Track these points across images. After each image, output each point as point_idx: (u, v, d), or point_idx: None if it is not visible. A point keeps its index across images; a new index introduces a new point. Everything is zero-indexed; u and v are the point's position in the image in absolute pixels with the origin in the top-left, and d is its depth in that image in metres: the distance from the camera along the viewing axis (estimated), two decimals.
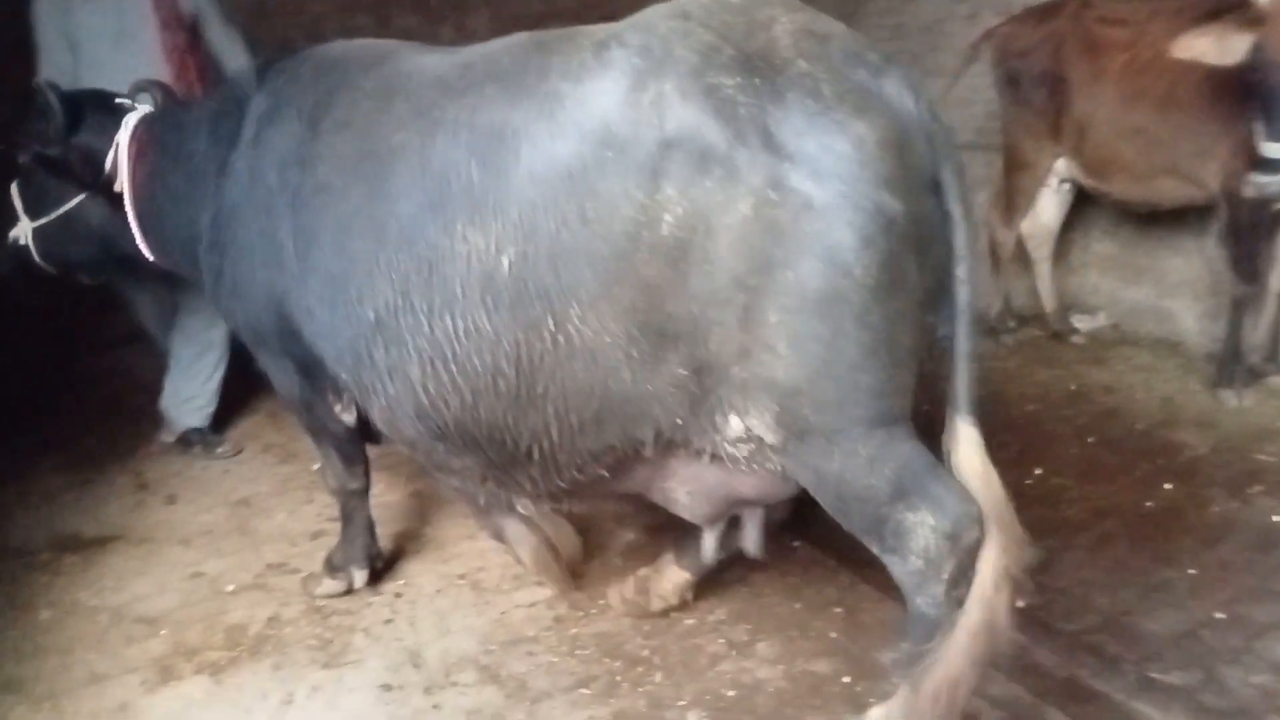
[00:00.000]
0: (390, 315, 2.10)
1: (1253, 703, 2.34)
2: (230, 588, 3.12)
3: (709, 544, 2.59)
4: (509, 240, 1.91)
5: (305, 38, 2.84)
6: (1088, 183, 4.51)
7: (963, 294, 1.87)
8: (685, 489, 2.31)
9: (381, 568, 3.09)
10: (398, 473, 3.67)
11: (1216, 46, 3.50)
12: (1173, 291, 4.73)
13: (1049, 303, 4.93)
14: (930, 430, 1.96)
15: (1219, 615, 2.66)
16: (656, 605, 2.76)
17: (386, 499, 3.54)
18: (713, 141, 1.74)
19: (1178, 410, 3.99)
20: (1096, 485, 3.41)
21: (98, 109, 2.91)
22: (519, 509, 2.63)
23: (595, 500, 2.53)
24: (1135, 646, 2.56)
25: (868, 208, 1.71)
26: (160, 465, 4.06)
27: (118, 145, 2.83)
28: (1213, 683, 2.41)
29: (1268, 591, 2.74)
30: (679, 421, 1.97)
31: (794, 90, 1.74)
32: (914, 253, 1.78)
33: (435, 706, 2.51)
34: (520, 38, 2.13)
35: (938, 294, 1.88)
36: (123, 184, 2.84)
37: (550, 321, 1.91)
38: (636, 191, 1.78)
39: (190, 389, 4.10)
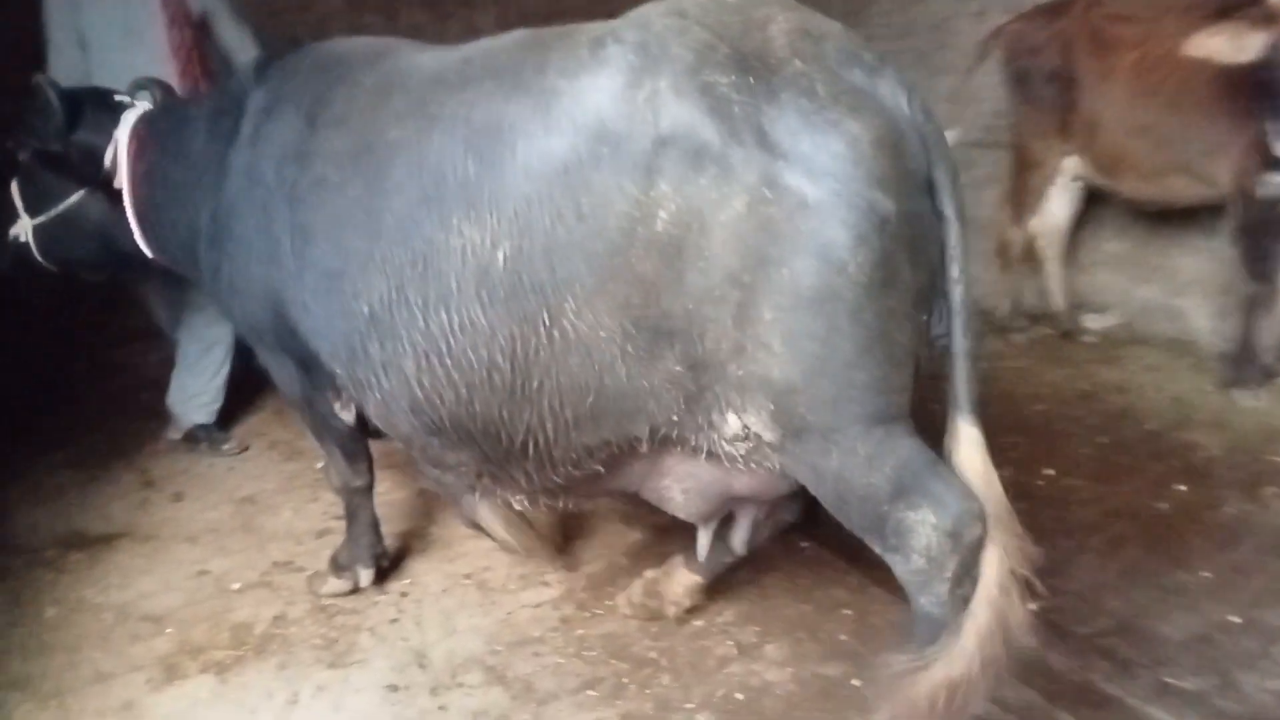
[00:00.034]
0: (385, 310, 2.11)
1: (1269, 708, 2.32)
2: (236, 586, 3.11)
3: (704, 542, 2.58)
4: (504, 235, 1.91)
5: (313, 35, 2.84)
6: (1098, 181, 4.48)
7: (957, 293, 1.88)
8: (680, 487, 2.31)
9: (387, 566, 3.08)
10: (403, 471, 3.65)
11: (1230, 44, 3.48)
12: (1184, 290, 4.71)
13: (1059, 302, 4.91)
14: (939, 430, 1.94)
15: (1234, 619, 2.63)
16: (669, 611, 2.74)
17: (391, 497, 3.53)
18: (707, 139, 1.75)
19: (1190, 410, 3.96)
20: (1108, 486, 3.38)
21: (97, 106, 2.90)
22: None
23: (590, 498, 2.52)
24: (1149, 650, 2.54)
25: (861, 206, 1.72)
26: (166, 462, 4.05)
27: (116, 142, 2.83)
28: (1229, 688, 2.38)
29: None
30: (675, 418, 1.97)
31: (789, 89, 1.75)
32: (907, 252, 1.79)
33: (441, 708, 2.49)
34: (518, 34, 2.14)
35: (931, 293, 1.89)
36: (122, 181, 2.83)
37: (545, 316, 1.91)
38: (631, 188, 1.79)
39: (196, 385, 4.09)
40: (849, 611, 2.79)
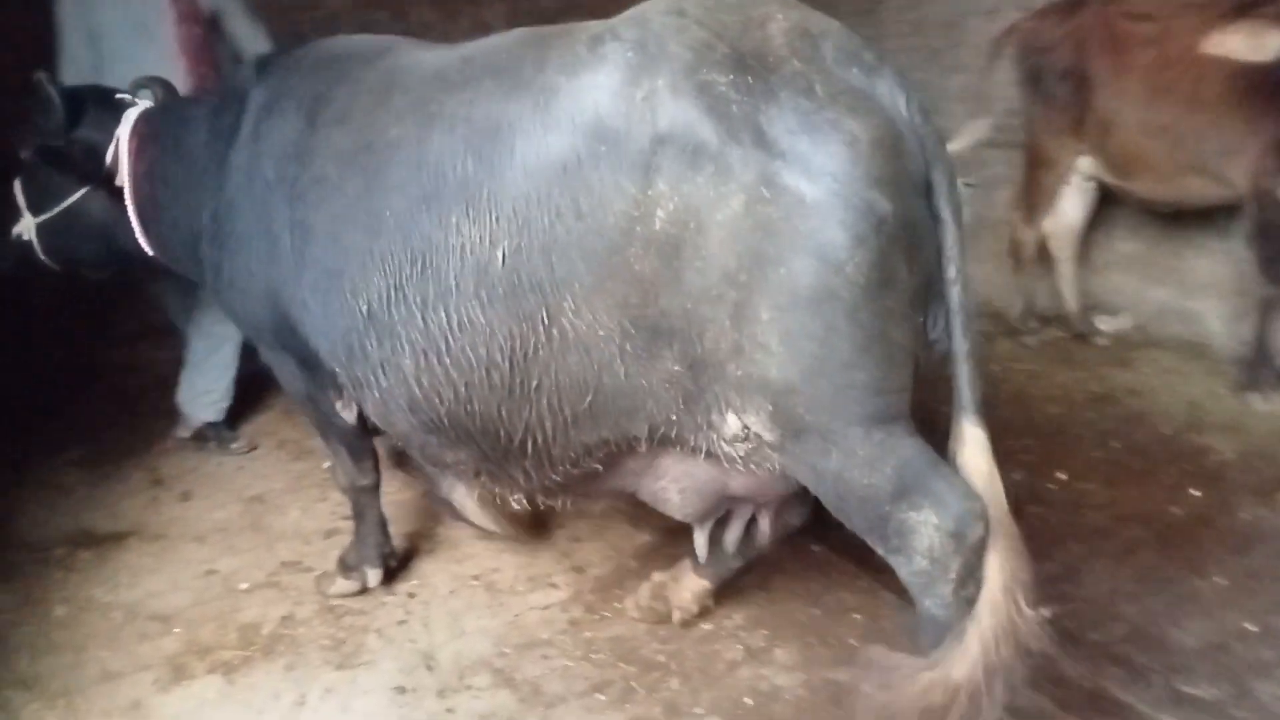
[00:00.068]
0: (383, 308, 2.11)
1: None
2: (244, 586, 3.10)
3: (701, 542, 2.57)
4: (503, 233, 1.92)
5: (322, 32, 2.82)
6: (1112, 181, 4.44)
7: (955, 295, 1.87)
8: (677, 487, 2.31)
9: (395, 567, 3.07)
10: (410, 471, 3.64)
11: (1249, 43, 3.44)
12: (1198, 292, 4.67)
13: (1072, 303, 4.87)
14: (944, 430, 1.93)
15: (1250, 627, 2.61)
16: (677, 617, 2.73)
17: (399, 497, 3.52)
18: (705, 138, 1.74)
19: (1204, 414, 3.92)
20: (1121, 490, 3.35)
21: (98, 104, 2.89)
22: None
23: (589, 497, 2.53)
24: (1164, 658, 2.51)
25: (859, 206, 1.71)
26: (175, 461, 4.05)
27: (118, 140, 2.82)
28: (1245, 697, 2.36)
29: None
30: (674, 418, 1.97)
31: (787, 89, 1.75)
32: (904, 252, 1.79)
33: (449, 710, 2.48)
34: (519, 32, 2.14)
35: (927, 294, 1.89)
36: (123, 179, 2.82)
37: (544, 315, 1.92)
38: (629, 186, 1.79)
39: (205, 382, 4.09)
40: (859, 616, 2.77)
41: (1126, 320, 4.90)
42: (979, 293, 5.22)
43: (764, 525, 2.53)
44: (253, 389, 4.29)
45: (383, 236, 2.09)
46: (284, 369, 2.69)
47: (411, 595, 3.01)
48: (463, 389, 2.07)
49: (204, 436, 4.11)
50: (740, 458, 1.99)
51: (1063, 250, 4.80)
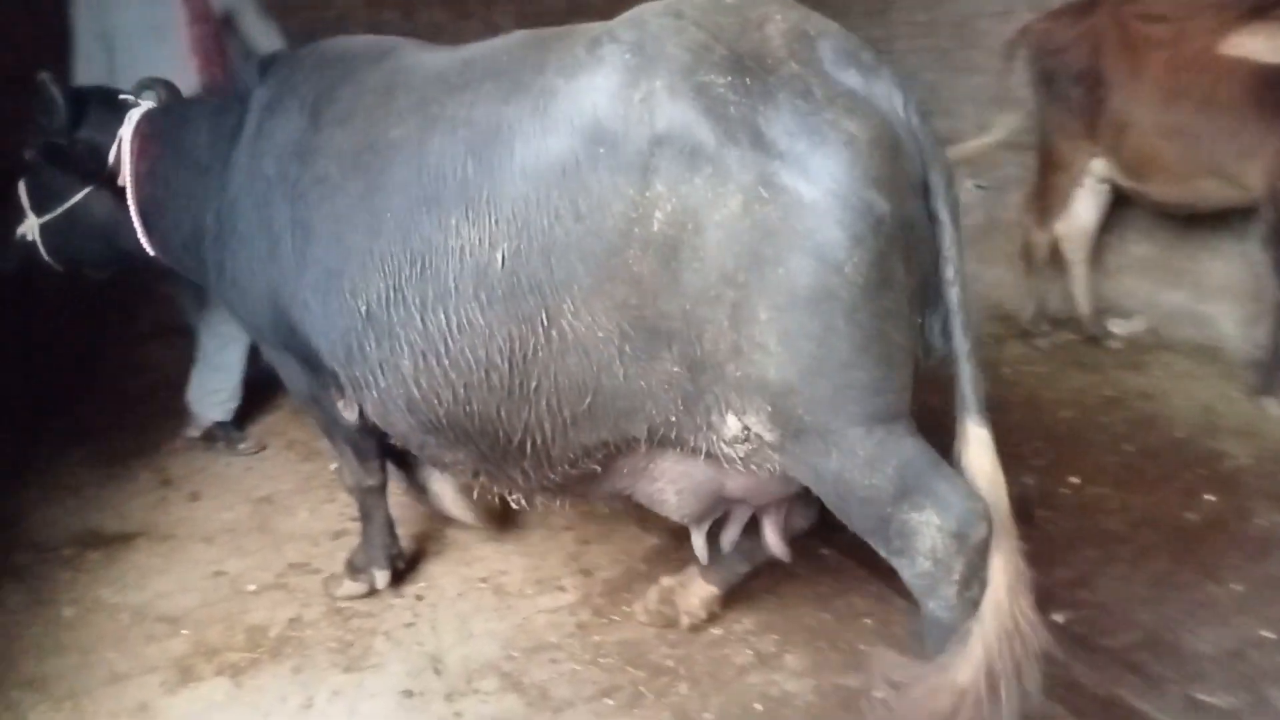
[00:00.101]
0: (382, 309, 2.12)
1: None
2: (251, 587, 3.10)
3: (699, 543, 2.56)
4: (503, 235, 1.92)
5: (332, 32, 2.81)
6: (1125, 183, 4.40)
7: (953, 295, 1.87)
8: (674, 488, 2.30)
9: (403, 568, 3.06)
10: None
11: (1267, 45, 3.40)
12: (1212, 296, 4.63)
13: (1084, 306, 4.83)
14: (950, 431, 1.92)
15: (1267, 634, 2.57)
16: (685, 623, 2.71)
17: (407, 499, 3.50)
18: (702, 140, 1.74)
19: (1218, 418, 3.88)
20: (1135, 495, 3.32)
21: (102, 104, 2.90)
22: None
23: (587, 498, 2.52)
24: (1179, 665, 2.48)
25: (857, 206, 1.71)
26: (183, 461, 4.05)
27: (120, 140, 2.82)
28: (1262, 705, 2.33)
29: None
30: (673, 419, 1.97)
31: (785, 90, 1.75)
32: (902, 252, 1.78)
33: (456, 714, 2.46)
34: (520, 35, 2.15)
35: (924, 295, 1.89)
36: (125, 179, 2.82)
37: (543, 316, 1.92)
38: (627, 188, 1.79)
39: (214, 382, 4.09)
40: (870, 620, 2.75)
41: (1140, 323, 4.86)
42: (991, 296, 5.20)
43: (768, 530, 2.50)
44: (261, 390, 4.28)
45: (383, 237, 2.10)
46: (287, 369, 2.69)
47: (419, 597, 3.00)
48: (462, 390, 2.08)
49: (213, 437, 4.12)
50: (740, 459, 1.98)
51: (1075, 253, 4.76)
